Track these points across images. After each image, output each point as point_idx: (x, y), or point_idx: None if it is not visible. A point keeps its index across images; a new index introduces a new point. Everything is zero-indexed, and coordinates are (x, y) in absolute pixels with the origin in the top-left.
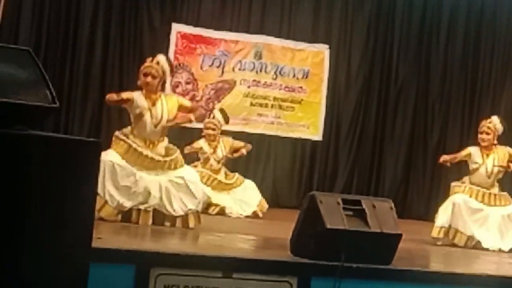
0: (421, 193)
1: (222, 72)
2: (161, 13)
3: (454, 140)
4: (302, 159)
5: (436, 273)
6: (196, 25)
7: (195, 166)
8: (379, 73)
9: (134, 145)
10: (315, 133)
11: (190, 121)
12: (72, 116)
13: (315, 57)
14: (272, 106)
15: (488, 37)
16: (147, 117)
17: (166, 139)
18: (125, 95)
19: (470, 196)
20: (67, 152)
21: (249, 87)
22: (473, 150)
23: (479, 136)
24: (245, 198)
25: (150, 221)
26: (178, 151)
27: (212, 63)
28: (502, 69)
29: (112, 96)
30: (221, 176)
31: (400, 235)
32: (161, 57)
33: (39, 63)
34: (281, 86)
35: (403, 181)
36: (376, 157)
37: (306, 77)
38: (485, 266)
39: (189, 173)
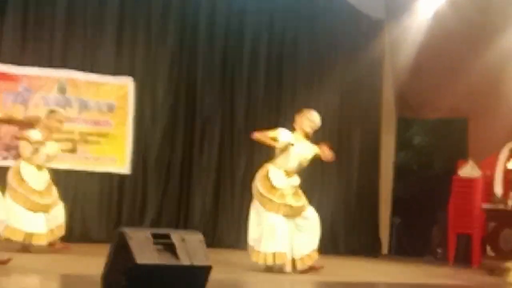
0: (230, 223)
1: (26, 108)
2: None
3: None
4: (111, 193)
5: None
6: None
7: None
8: (185, 105)
9: None
10: (122, 167)
11: None
12: None
13: (120, 90)
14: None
15: (290, 69)
16: None
17: None
18: None
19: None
20: None
21: None
22: (284, 131)
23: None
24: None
25: None
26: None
27: (16, 100)
28: (304, 100)
29: None
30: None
31: (210, 267)
32: None
33: None
34: (87, 120)
35: (212, 211)
36: (184, 189)
37: (112, 111)
38: None
39: None
